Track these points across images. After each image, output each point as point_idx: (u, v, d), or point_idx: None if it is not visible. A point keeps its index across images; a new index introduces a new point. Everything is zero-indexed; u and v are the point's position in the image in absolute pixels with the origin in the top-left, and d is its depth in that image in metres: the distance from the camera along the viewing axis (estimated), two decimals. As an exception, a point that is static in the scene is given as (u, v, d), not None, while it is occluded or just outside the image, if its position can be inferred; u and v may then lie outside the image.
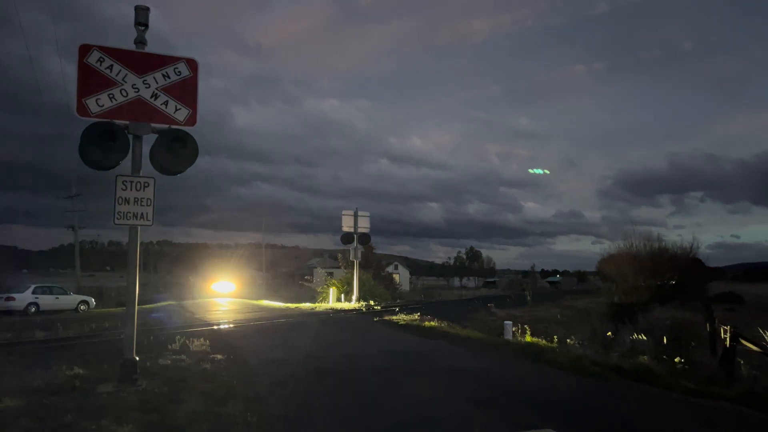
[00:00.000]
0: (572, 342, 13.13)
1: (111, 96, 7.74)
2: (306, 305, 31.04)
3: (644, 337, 11.58)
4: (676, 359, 10.27)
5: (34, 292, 28.79)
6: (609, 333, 18.03)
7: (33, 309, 27.96)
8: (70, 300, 30.73)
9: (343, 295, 33.71)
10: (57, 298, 29.83)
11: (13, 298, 27.78)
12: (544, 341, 13.81)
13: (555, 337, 14.82)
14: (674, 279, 32.59)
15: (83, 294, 34.39)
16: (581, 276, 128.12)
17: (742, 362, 11.46)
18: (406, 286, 69.12)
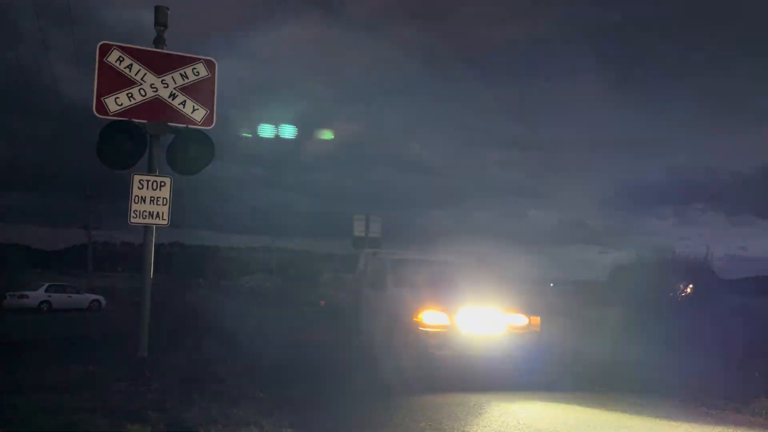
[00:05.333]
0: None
1: (130, 95, 7.77)
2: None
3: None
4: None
5: (47, 291, 29.09)
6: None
7: (45, 307, 28.20)
8: (82, 299, 31.02)
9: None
10: (69, 296, 30.11)
11: (26, 296, 28.08)
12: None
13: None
14: (688, 291, 32.10)
15: (95, 293, 34.64)
16: (591, 287, 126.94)
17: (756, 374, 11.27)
18: (415, 293, 68.79)
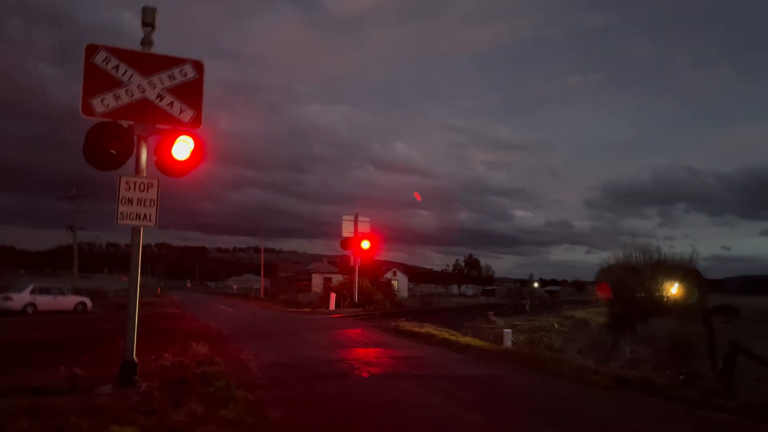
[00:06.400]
0: (573, 351, 13.10)
1: (116, 96, 7.72)
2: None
3: (646, 347, 11.58)
4: (680, 370, 10.23)
5: (32, 292, 28.65)
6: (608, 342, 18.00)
7: (30, 309, 27.84)
8: (68, 301, 30.60)
9: (341, 301, 33.63)
10: (55, 298, 29.68)
11: (10, 298, 27.65)
12: (544, 350, 13.75)
13: (554, 346, 14.77)
14: (673, 290, 32.43)
15: (81, 295, 34.26)
16: (580, 286, 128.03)
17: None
18: (404, 293, 68.95)
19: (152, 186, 7.85)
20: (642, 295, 31.41)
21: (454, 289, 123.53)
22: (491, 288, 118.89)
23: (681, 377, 10.23)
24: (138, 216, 7.72)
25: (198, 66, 8.27)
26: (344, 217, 33.99)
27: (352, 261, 33.30)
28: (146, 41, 8.10)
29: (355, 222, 33.59)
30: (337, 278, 47.40)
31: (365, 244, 33.48)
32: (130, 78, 7.82)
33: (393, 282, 59.18)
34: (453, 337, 15.43)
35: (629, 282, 32.35)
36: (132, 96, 7.81)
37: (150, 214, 7.79)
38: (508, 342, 15.24)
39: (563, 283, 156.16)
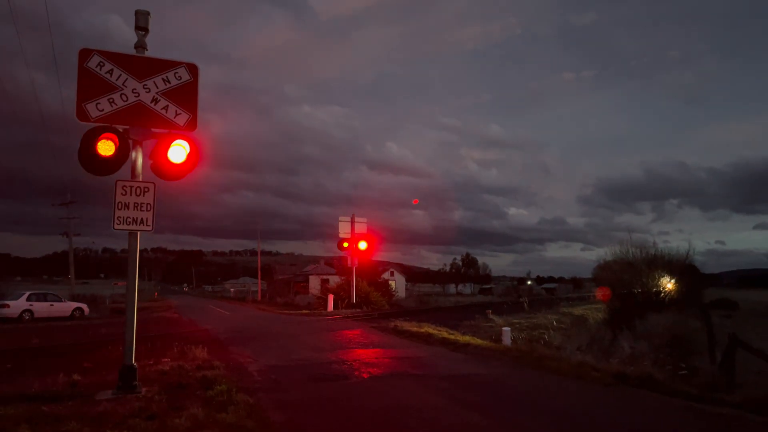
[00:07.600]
0: (572, 348, 13.10)
1: (111, 100, 7.68)
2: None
3: (645, 343, 11.62)
4: (680, 365, 10.25)
5: (28, 299, 28.56)
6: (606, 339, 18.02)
7: (27, 316, 27.75)
8: (65, 307, 30.49)
9: (339, 302, 33.57)
10: (51, 305, 29.58)
11: (7, 305, 27.53)
12: (543, 348, 13.75)
13: (553, 343, 14.77)
14: (671, 285, 32.49)
15: (77, 301, 34.13)
16: (577, 283, 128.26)
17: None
18: (402, 293, 68.82)
19: (148, 190, 7.82)
20: (639, 290, 31.47)
21: (452, 288, 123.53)
22: (488, 286, 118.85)
23: (681, 372, 10.25)
24: (135, 221, 7.69)
25: (192, 69, 8.25)
26: (341, 218, 33.93)
27: (349, 262, 33.23)
28: (140, 45, 8.07)
29: (352, 223, 33.54)
30: (334, 279, 47.31)
31: (362, 245, 33.41)
32: (124, 82, 7.78)
33: (390, 282, 59.10)
34: (452, 336, 15.42)
35: (626, 278, 32.42)
36: (127, 100, 7.78)
37: (147, 219, 7.76)
38: (507, 340, 15.25)
39: (560, 280, 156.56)
